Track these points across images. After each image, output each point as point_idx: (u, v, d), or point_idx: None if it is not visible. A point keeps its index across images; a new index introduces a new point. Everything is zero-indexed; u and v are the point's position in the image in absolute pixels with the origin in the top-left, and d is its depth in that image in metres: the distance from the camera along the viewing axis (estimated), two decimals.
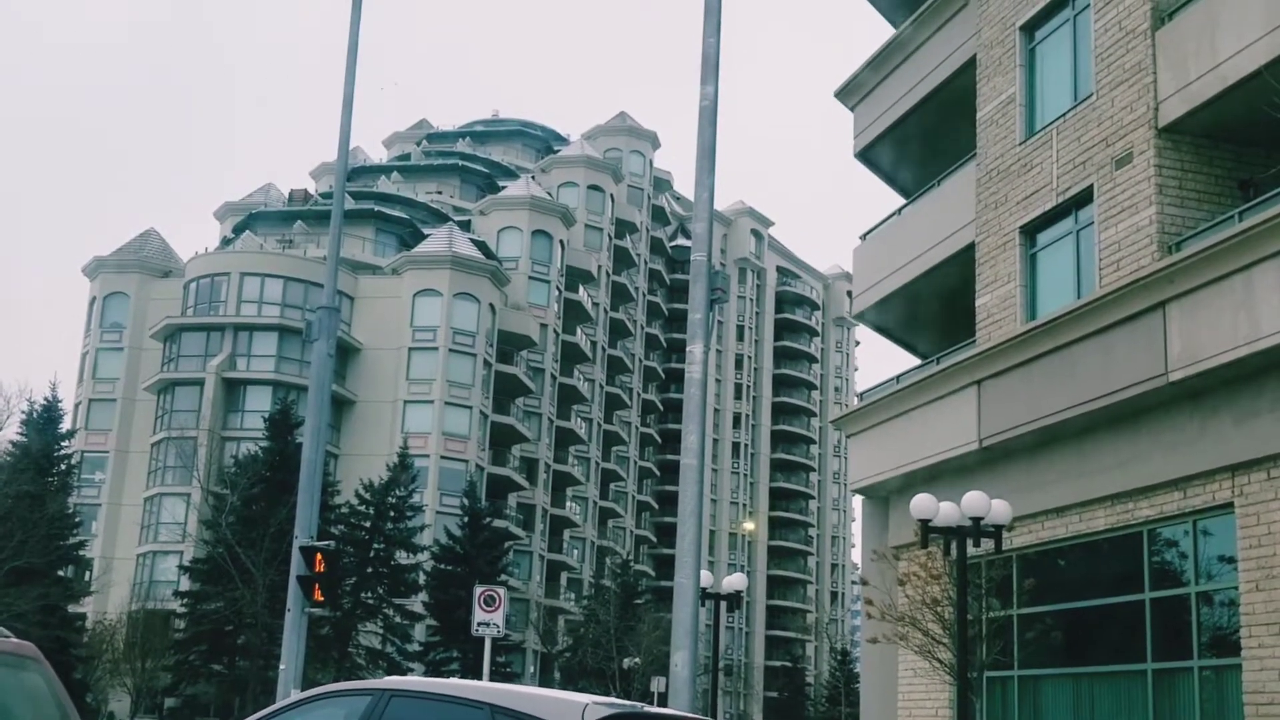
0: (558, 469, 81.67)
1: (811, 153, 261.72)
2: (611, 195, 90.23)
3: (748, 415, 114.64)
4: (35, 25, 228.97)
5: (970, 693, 16.75)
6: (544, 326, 78.29)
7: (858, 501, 29.39)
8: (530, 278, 78.28)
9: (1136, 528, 16.43)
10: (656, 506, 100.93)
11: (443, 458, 67.38)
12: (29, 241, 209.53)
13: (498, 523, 63.41)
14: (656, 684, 45.46)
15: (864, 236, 25.35)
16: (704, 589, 23.75)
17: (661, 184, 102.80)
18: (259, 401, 63.78)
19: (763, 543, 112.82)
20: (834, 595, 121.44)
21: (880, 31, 25.24)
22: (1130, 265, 16.64)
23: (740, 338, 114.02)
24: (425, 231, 75.05)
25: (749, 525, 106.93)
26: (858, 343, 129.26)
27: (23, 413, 48.74)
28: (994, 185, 20.14)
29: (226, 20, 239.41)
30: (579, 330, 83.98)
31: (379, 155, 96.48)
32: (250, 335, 67.44)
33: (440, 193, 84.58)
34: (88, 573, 58.02)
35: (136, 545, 65.20)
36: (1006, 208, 19.72)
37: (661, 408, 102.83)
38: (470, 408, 69.29)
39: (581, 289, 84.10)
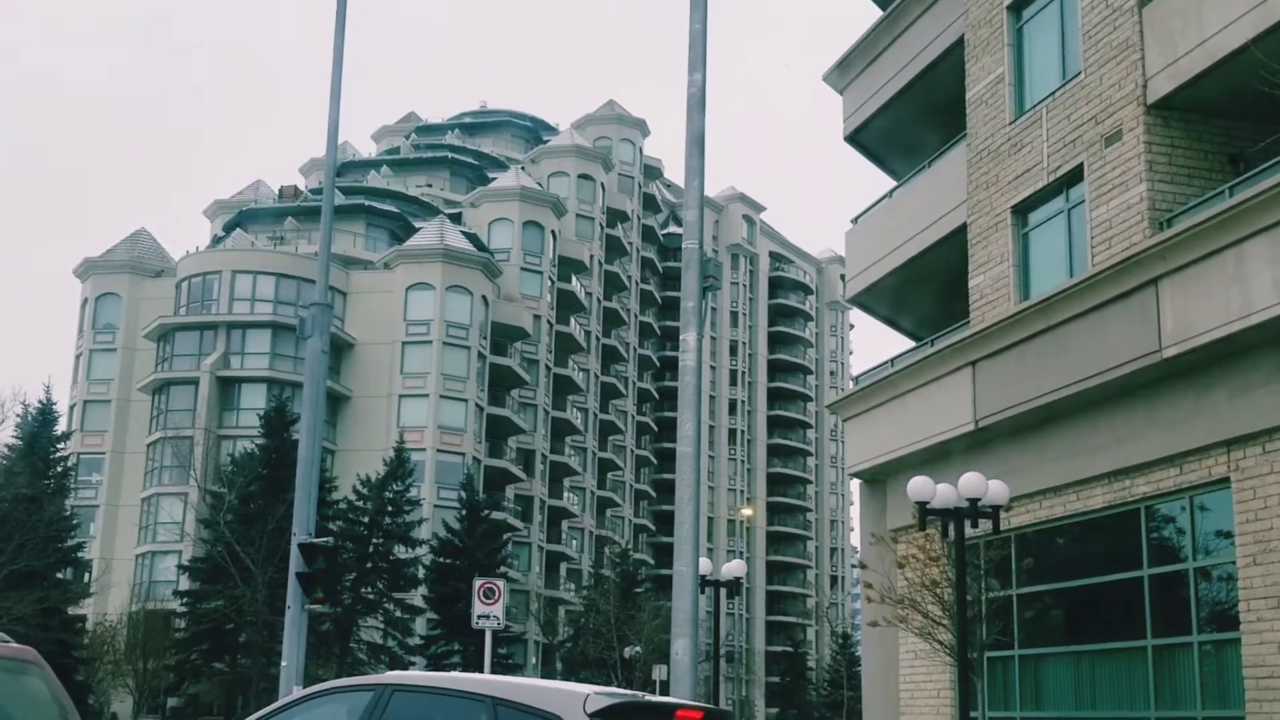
0: (554, 460, 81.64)
1: (802, 137, 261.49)
2: (602, 184, 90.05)
3: (743, 401, 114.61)
4: (20, 15, 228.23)
5: (971, 673, 16.77)
6: (537, 317, 78.21)
7: (856, 485, 29.40)
8: (522, 269, 78.23)
9: (1134, 505, 16.45)
10: (654, 495, 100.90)
11: (439, 451, 67.39)
12: (19, 244, 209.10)
13: (496, 515, 63.42)
14: (658, 672, 45.52)
15: (856, 220, 25.32)
16: (703, 576, 23.76)
17: (652, 171, 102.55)
18: (254, 399, 63.77)
19: (761, 528, 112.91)
20: (834, 579, 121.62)
21: (868, 13, 25.19)
22: (1122, 243, 16.64)
23: (734, 324, 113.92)
24: (416, 225, 74.91)
25: (747, 511, 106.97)
26: (852, 326, 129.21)
27: (17, 416, 48.67)
28: (985, 165, 20.12)
29: (211, 19, 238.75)
30: (572, 320, 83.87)
31: (368, 150, 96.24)
32: (243, 333, 67.36)
33: (430, 186, 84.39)
34: (87, 574, 57.99)
35: (135, 546, 65.18)
36: (998, 188, 19.70)
37: (657, 396, 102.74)
38: (465, 401, 69.28)
39: (574, 279, 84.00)
